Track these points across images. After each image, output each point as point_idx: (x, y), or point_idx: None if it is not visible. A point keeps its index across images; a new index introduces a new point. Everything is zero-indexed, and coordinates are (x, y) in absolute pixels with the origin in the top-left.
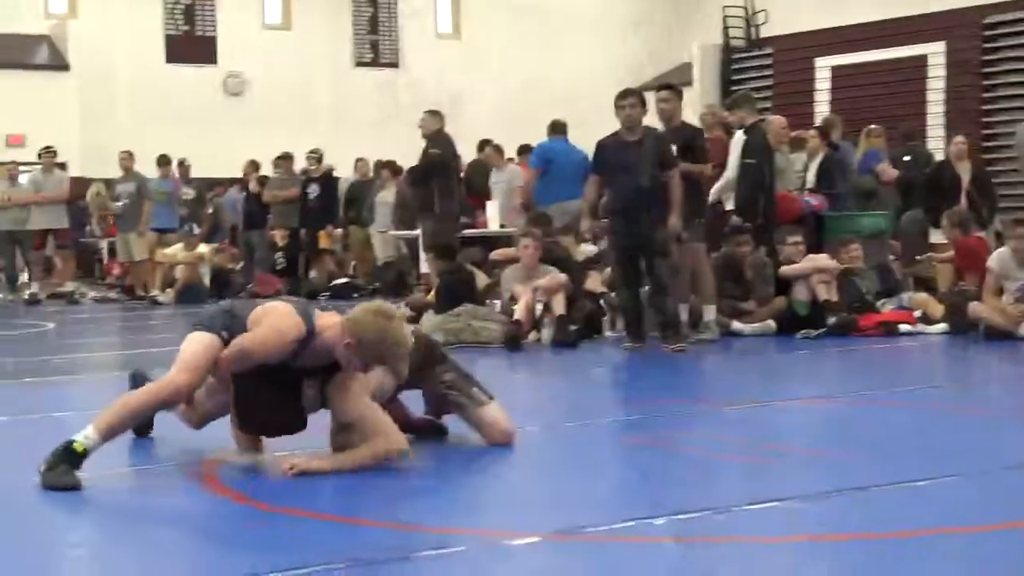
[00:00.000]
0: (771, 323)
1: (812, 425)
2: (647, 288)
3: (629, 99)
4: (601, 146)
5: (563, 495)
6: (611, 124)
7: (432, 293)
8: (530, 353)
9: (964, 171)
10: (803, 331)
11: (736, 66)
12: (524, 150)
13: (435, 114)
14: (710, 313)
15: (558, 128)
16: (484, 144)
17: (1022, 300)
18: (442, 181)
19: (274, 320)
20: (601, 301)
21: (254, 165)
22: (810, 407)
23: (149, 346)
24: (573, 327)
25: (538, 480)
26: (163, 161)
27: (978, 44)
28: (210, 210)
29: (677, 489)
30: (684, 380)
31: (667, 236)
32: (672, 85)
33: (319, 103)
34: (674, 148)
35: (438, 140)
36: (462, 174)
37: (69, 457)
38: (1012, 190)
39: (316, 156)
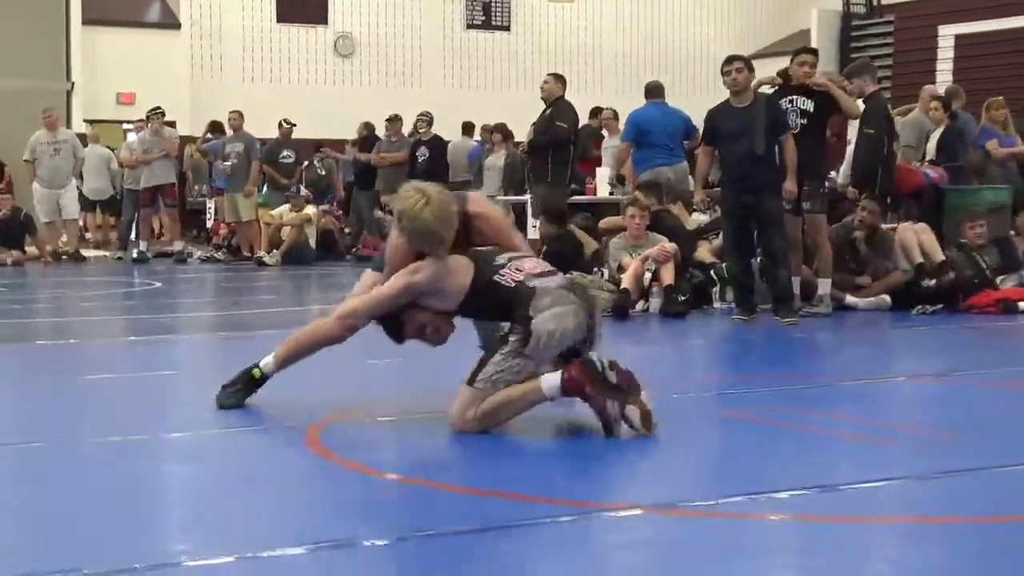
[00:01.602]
0: (886, 298)
1: (925, 403)
2: (759, 259)
3: (735, 64)
4: (711, 115)
5: (667, 467)
6: (718, 90)
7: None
8: (637, 323)
9: None
10: (919, 307)
11: (855, 33)
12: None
13: (559, 78)
14: (825, 287)
15: (654, 91)
16: (596, 111)
17: None
18: (559, 151)
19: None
20: (711, 271)
21: (368, 127)
22: (923, 385)
23: (255, 307)
24: (682, 297)
25: (641, 451)
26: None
27: None
28: (322, 172)
29: (784, 465)
30: (794, 354)
31: (780, 205)
32: (813, 49)
33: (429, 66)
34: (811, 106)
35: (564, 110)
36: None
37: (245, 381)
38: None
39: (426, 119)
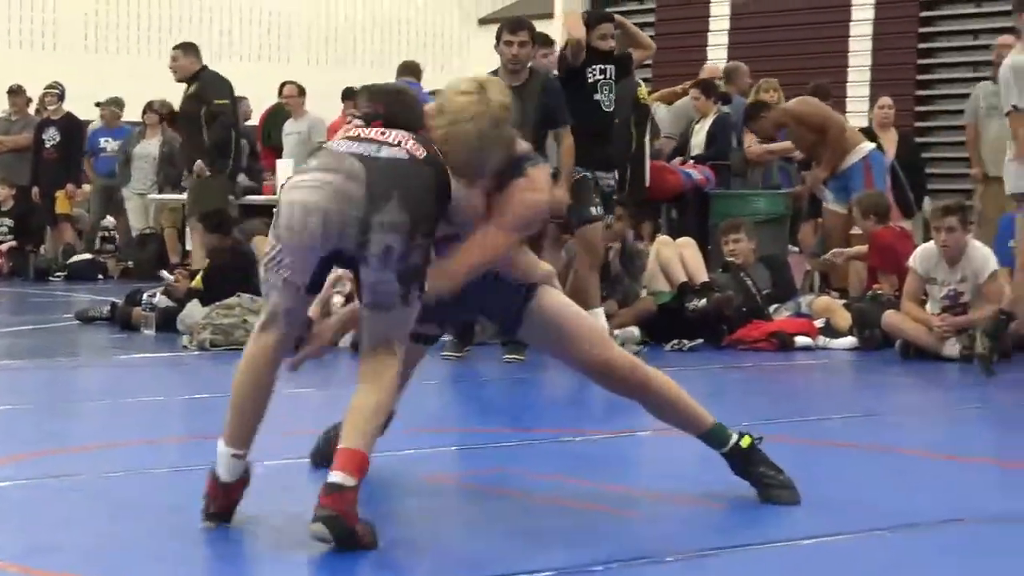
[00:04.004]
0: (634, 330)
1: (681, 464)
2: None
3: (520, 34)
4: None
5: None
6: (460, 64)
7: (199, 277)
8: (321, 359)
9: (889, 143)
10: (675, 341)
11: None
12: (348, 94)
13: (190, 49)
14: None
15: (407, 70)
16: (284, 85)
17: (951, 310)
18: (219, 132)
19: None
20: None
21: None
22: (677, 440)
23: None
24: None
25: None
26: None
27: None
28: None
29: (509, 544)
30: (518, 401)
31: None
32: (609, 15)
33: (66, 24)
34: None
35: (215, 85)
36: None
37: None
38: (951, 168)
39: (56, 92)
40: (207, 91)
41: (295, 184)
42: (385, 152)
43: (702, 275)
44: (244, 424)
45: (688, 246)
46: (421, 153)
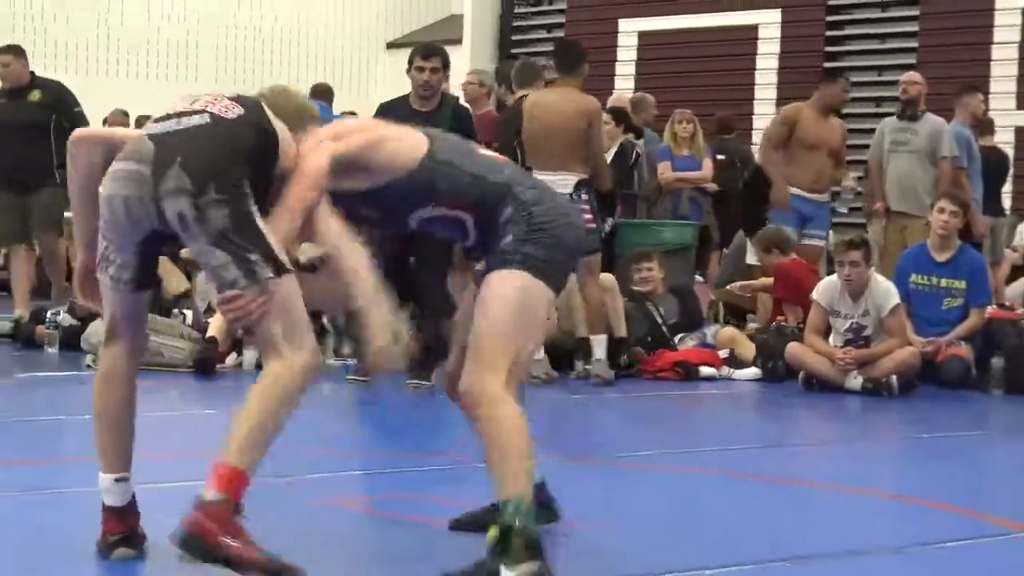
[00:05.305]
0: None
1: (592, 490)
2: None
3: (432, 60)
4: (384, 111)
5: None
6: (367, 87)
7: None
8: (227, 381)
9: None
10: (580, 370)
11: (519, 23)
12: None
13: (21, 53)
14: (600, 348)
15: (319, 93)
16: None
17: (853, 343)
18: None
19: None
20: (324, 319)
21: None
22: (575, 469)
23: None
24: None
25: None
26: None
27: (820, 16)
28: None
29: (400, 568)
30: (420, 427)
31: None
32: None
33: None
34: None
35: (67, 94)
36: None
37: None
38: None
39: None
40: (62, 100)
41: (104, 177)
42: (184, 123)
43: (620, 329)
44: (119, 445)
45: (613, 292)
46: (232, 113)
